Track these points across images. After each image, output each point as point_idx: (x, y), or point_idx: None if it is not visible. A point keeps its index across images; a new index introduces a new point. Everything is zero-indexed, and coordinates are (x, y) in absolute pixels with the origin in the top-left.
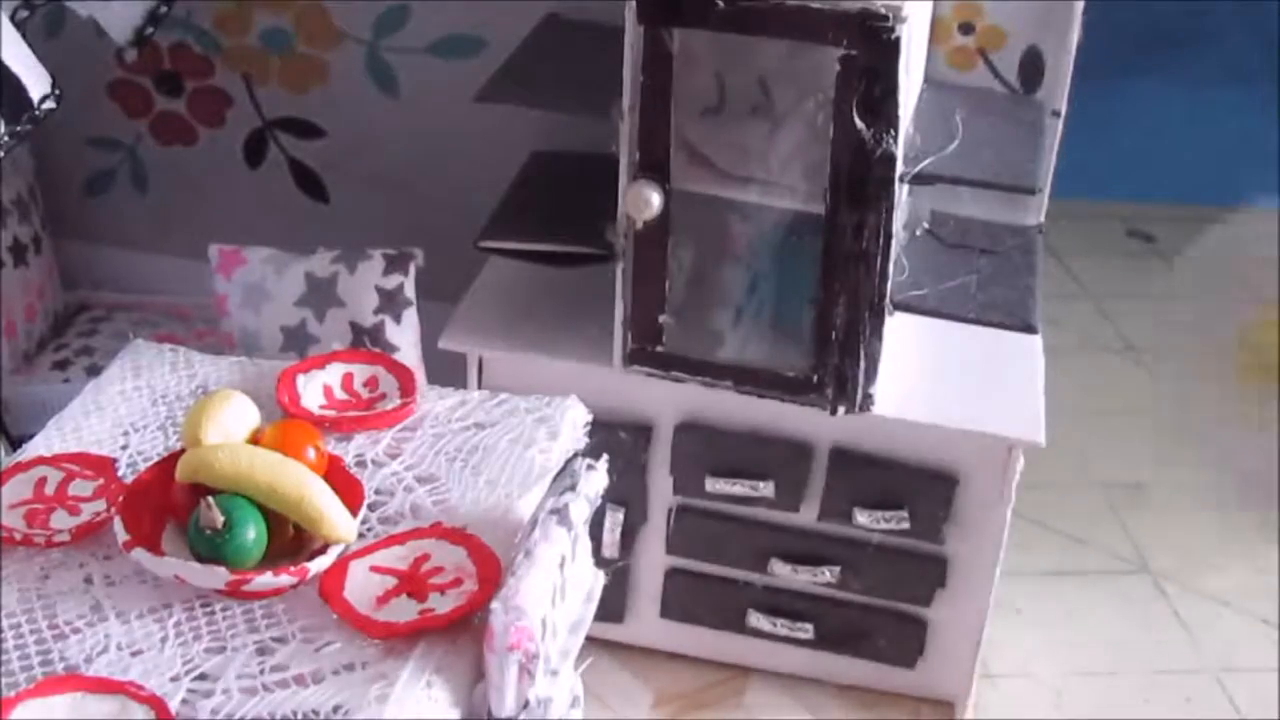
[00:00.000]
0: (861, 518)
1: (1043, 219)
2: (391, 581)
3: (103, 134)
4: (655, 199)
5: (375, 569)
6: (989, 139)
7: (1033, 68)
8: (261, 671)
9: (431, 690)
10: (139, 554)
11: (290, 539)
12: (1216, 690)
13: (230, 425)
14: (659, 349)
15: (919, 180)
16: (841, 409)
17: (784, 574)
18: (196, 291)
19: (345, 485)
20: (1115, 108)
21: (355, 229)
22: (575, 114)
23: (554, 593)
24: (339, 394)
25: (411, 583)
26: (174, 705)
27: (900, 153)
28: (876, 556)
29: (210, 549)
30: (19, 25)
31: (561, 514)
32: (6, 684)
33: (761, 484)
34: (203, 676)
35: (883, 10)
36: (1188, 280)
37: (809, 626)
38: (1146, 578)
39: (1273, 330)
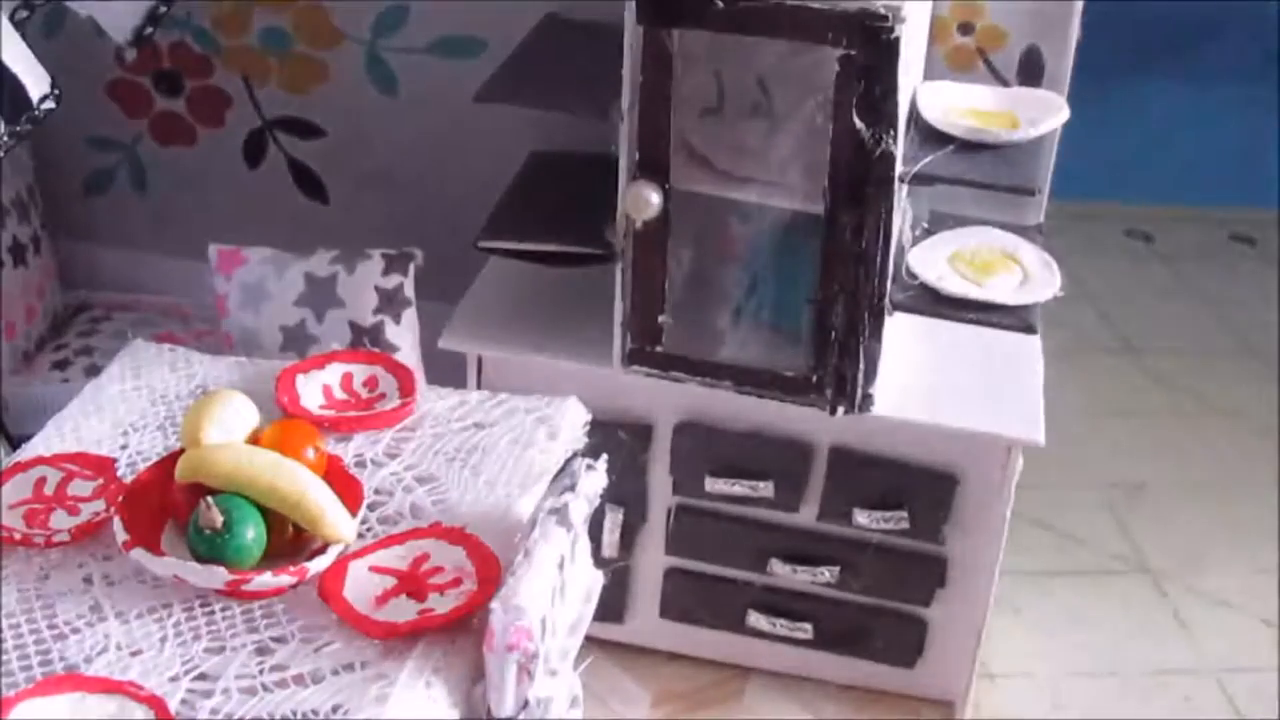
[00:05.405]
0: (861, 518)
1: (1043, 219)
2: (391, 581)
3: (102, 134)
4: (655, 199)
5: (374, 569)
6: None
7: (1032, 68)
8: (261, 671)
9: (431, 690)
10: (138, 554)
11: (290, 539)
12: (1216, 690)
13: (230, 425)
14: (658, 349)
15: (919, 180)
16: (841, 409)
17: (784, 574)
18: (196, 291)
19: (345, 485)
20: (1115, 108)
21: (355, 229)
22: (575, 114)
23: (553, 593)
24: (338, 394)
25: (411, 583)
26: (173, 705)
27: (900, 153)
28: (876, 556)
29: (210, 549)
30: (19, 25)
31: (561, 514)
32: (6, 684)
33: (761, 484)
34: (202, 676)
35: (882, 10)
36: (1188, 280)
37: (808, 626)
38: (1146, 578)
39: (1272, 330)
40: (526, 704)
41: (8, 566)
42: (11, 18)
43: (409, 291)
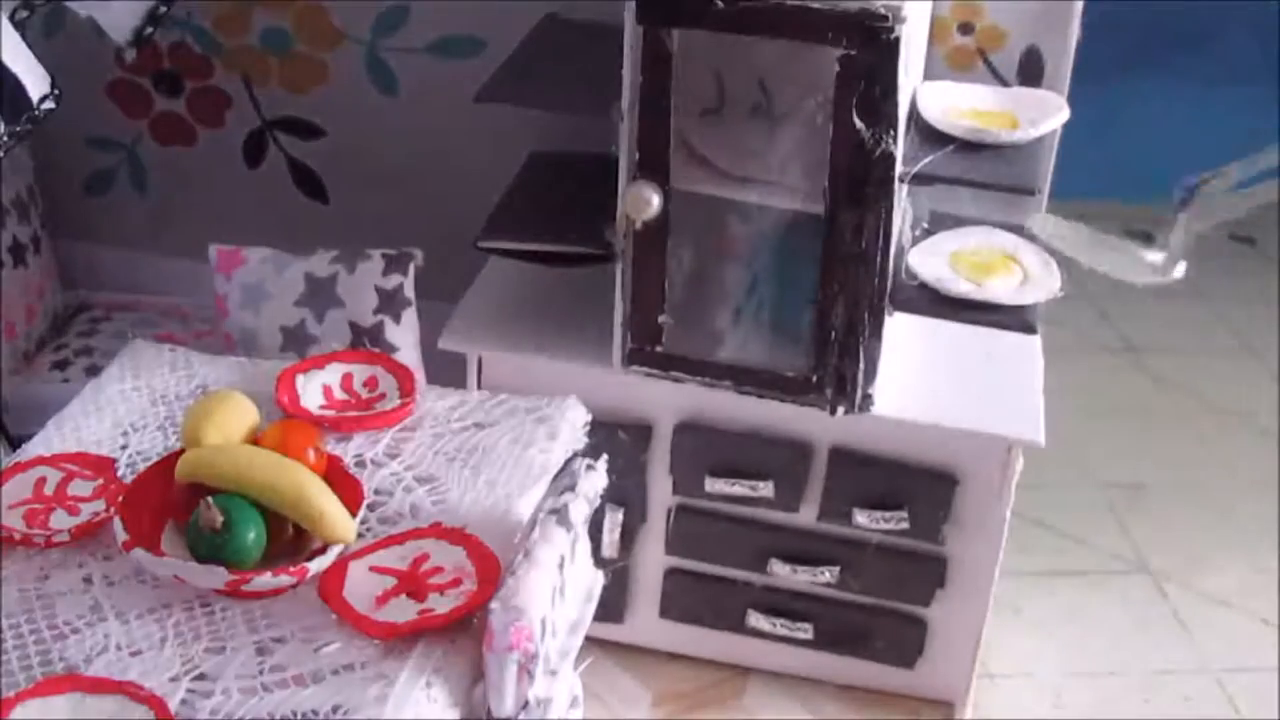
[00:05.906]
0: (861, 518)
1: None
2: (391, 581)
3: (102, 134)
4: (654, 199)
5: (374, 569)
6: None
7: (1033, 68)
8: (261, 671)
9: (431, 690)
10: (138, 554)
11: (290, 539)
12: (1216, 690)
13: (230, 425)
14: (659, 349)
15: (919, 180)
16: (841, 409)
17: (783, 574)
18: (196, 291)
19: (345, 485)
20: (1115, 108)
21: (355, 229)
22: (575, 114)
23: (553, 593)
24: (338, 394)
25: (411, 583)
26: (173, 705)
27: (900, 153)
28: (876, 556)
29: (210, 549)
30: (19, 25)
31: (561, 514)
32: (6, 684)
33: (761, 484)
34: (202, 676)
35: (882, 10)
36: (1188, 280)
37: (808, 626)
38: (1146, 578)
39: (1272, 330)
40: (526, 704)
41: (8, 566)
42: (11, 18)
43: (409, 291)
